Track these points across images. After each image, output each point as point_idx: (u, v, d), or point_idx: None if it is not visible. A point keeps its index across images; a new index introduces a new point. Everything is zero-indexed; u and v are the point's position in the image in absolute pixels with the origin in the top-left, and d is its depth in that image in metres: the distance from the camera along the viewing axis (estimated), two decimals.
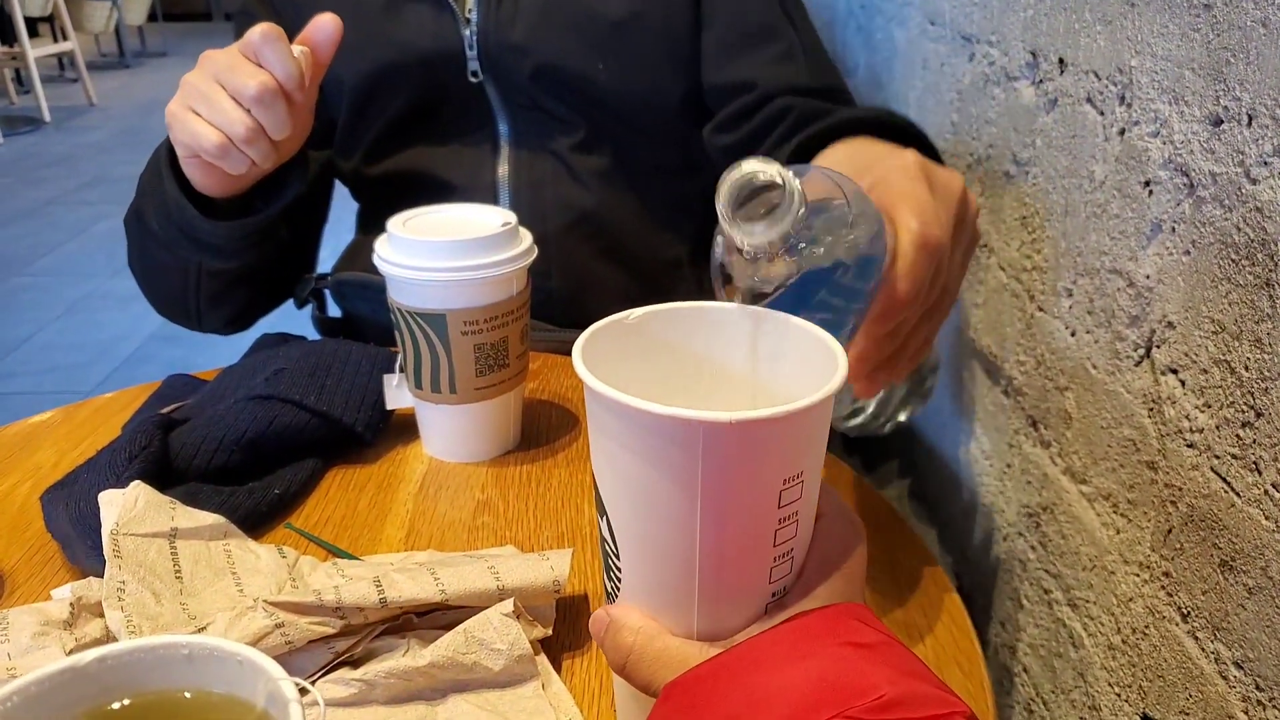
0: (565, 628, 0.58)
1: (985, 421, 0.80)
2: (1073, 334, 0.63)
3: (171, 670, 0.34)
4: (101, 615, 0.52)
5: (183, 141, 0.74)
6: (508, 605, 0.53)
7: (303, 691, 0.33)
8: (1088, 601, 0.62)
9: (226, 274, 0.90)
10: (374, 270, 0.71)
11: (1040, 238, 0.68)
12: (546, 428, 0.81)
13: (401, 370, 0.75)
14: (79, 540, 0.59)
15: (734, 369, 0.47)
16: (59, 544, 0.63)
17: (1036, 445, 0.70)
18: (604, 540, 0.44)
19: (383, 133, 0.97)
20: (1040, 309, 0.68)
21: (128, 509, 0.56)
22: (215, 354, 1.39)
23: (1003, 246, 0.75)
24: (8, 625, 0.49)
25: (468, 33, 0.92)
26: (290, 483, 0.69)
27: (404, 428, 0.79)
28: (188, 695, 0.34)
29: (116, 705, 0.34)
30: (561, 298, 0.96)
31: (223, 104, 0.71)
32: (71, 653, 0.48)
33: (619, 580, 0.43)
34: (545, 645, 0.55)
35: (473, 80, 0.93)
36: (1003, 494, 0.77)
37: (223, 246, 0.84)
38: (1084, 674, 0.63)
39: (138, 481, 0.58)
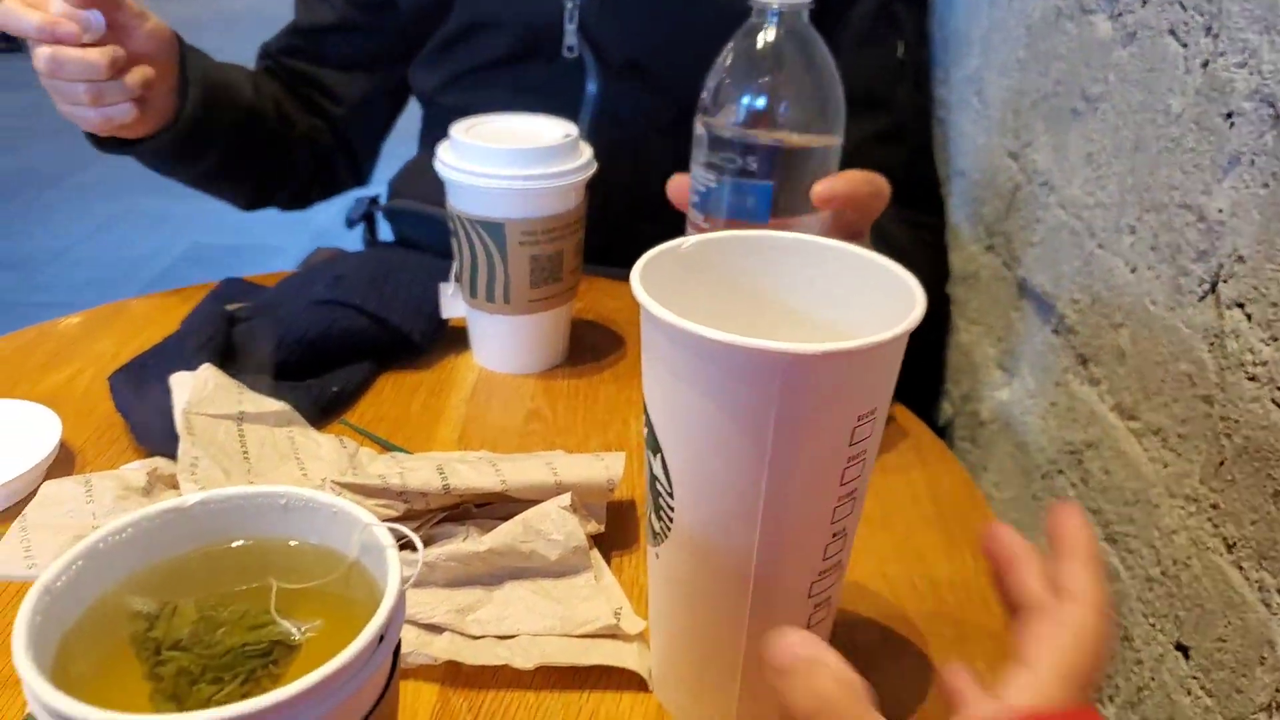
0: (614, 528, 0.59)
1: (1032, 361, 0.80)
2: (1133, 270, 0.63)
3: (268, 519, 0.35)
4: (175, 488, 0.53)
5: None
6: (565, 499, 0.54)
7: (403, 546, 0.34)
8: (1128, 535, 0.63)
9: (202, 173, 0.93)
10: (432, 193, 0.72)
11: (1106, 174, 0.67)
12: (593, 346, 0.82)
13: (457, 280, 0.76)
14: (149, 420, 0.61)
15: (793, 301, 0.46)
16: (128, 424, 0.65)
17: (1085, 383, 0.71)
18: (655, 479, 0.42)
19: (467, 70, 0.96)
20: (1100, 246, 0.68)
21: (199, 390, 0.58)
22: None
23: (1064, 184, 0.75)
24: (91, 487, 0.51)
25: (570, 6, 0.91)
26: (347, 381, 0.71)
27: (456, 338, 0.80)
28: (292, 543, 0.35)
29: (236, 544, 0.35)
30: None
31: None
32: None
33: (670, 521, 0.42)
34: (596, 542, 0.57)
35: (568, 54, 0.92)
36: (1045, 432, 0.77)
37: (155, 165, 0.87)
38: (1118, 607, 0.64)
39: (208, 364, 0.60)
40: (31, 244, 2.99)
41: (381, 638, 0.30)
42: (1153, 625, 0.60)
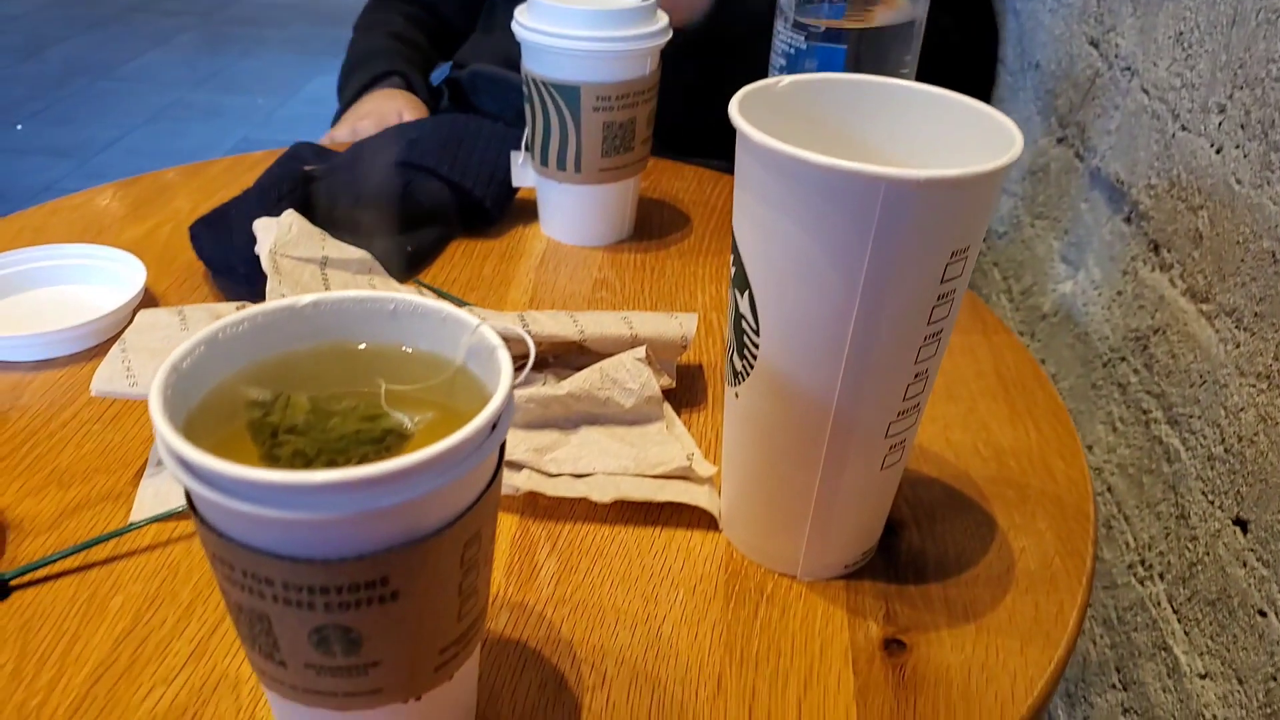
0: (681, 388, 0.61)
1: (1099, 252, 0.80)
2: (1218, 150, 0.63)
3: (377, 324, 0.36)
4: None
5: None
6: (640, 351, 0.55)
7: (519, 362, 0.35)
8: (1191, 417, 0.64)
9: None
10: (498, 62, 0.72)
11: (1197, 53, 0.66)
12: (658, 223, 0.83)
13: (528, 148, 0.76)
14: (232, 265, 0.63)
15: (887, 146, 0.46)
16: (209, 270, 0.67)
17: (1155, 269, 0.70)
18: (740, 318, 0.43)
19: None
20: (1184, 128, 0.67)
21: (283, 233, 0.59)
22: None
23: (1149, 68, 0.73)
24: (185, 317, 0.53)
25: None
26: (421, 242, 0.72)
27: (523, 209, 0.81)
28: (400, 348, 0.37)
29: (344, 345, 0.36)
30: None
31: None
32: None
33: (753, 360, 0.43)
34: (666, 397, 0.58)
35: None
36: (1109, 321, 0.77)
37: None
38: (1175, 486, 0.65)
39: (291, 210, 0.61)
40: (85, 133, 3.02)
41: (494, 427, 0.31)
42: (1211, 502, 0.61)
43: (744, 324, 0.43)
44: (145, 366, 0.49)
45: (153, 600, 0.44)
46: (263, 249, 0.59)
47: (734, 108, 0.41)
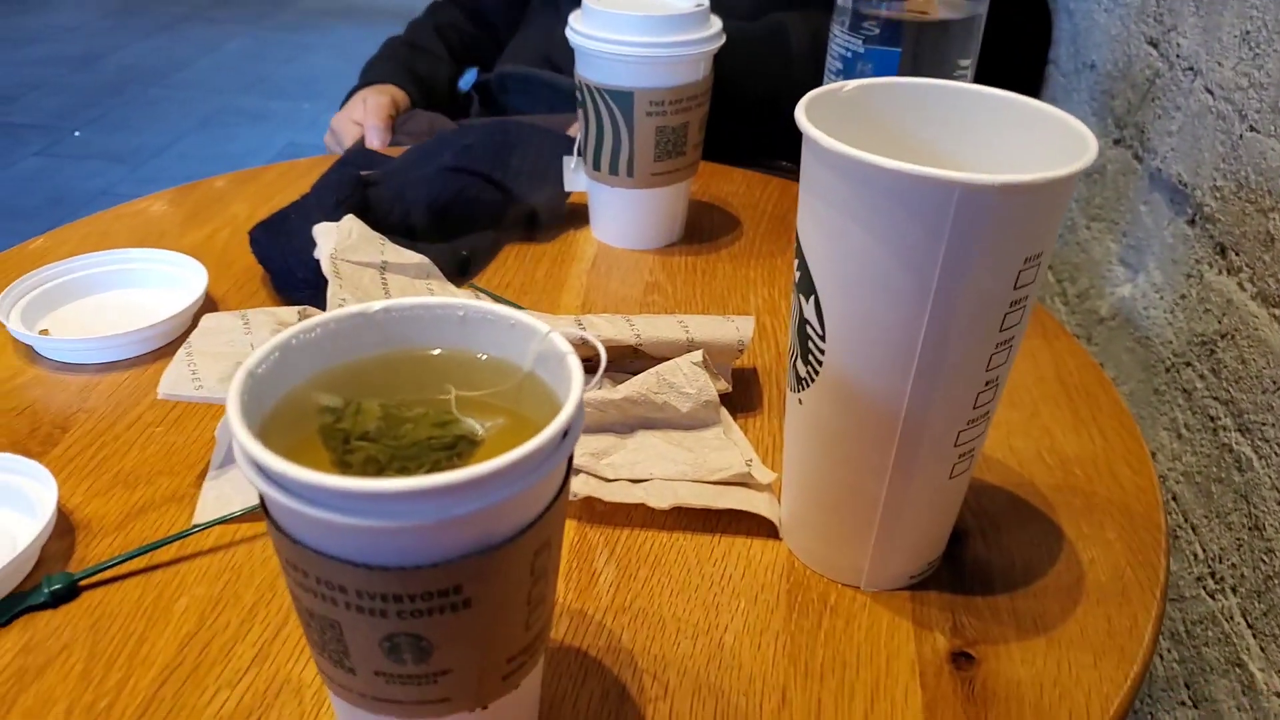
0: (737, 393, 0.60)
1: (1160, 255, 0.78)
2: None
3: (446, 330, 0.36)
4: None
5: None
6: (697, 355, 0.55)
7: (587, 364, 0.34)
8: (1264, 425, 0.62)
9: None
10: (534, 63, 0.72)
11: (1265, 52, 0.64)
12: (709, 226, 0.82)
13: (579, 154, 0.76)
14: (292, 268, 0.63)
15: (956, 151, 0.45)
16: (269, 274, 0.67)
17: (1222, 273, 0.68)
18: (805, 323, 0.42)
19: None
20: (1252, 128, 0.66)
21: (344, 237, 0.59)
22: None
23: (1213, 68, 0.71)
24: (248, 321, 0.53)
25: None
26: (475, 247, 0.72)
27: (575, 214, 0.81)
28: (469, 354, 0.36)
29: (414, 352, 0.36)
30: None
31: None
32: None
33: (818, 366, 0.43)
34: (722, 403, 0.58)
35: None
36: (1171, 325, 0.75)
37: None
38: (1248, 496, 0.63)
39: (351, 215, 0.61)
40: (139, 139, 3.08)
41: (565, 434, 0.31)
42: None
43: (809, 329, 0.43)
44: (210, 370, 0.50)
45: (216, 602, 0.45)
46: (323, 253, 0.59)
47: (800, 112, 0.40)
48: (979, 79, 0.64)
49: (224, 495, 0.49)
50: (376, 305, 0.35)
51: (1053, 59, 1.14)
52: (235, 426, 0.29)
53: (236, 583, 0.46)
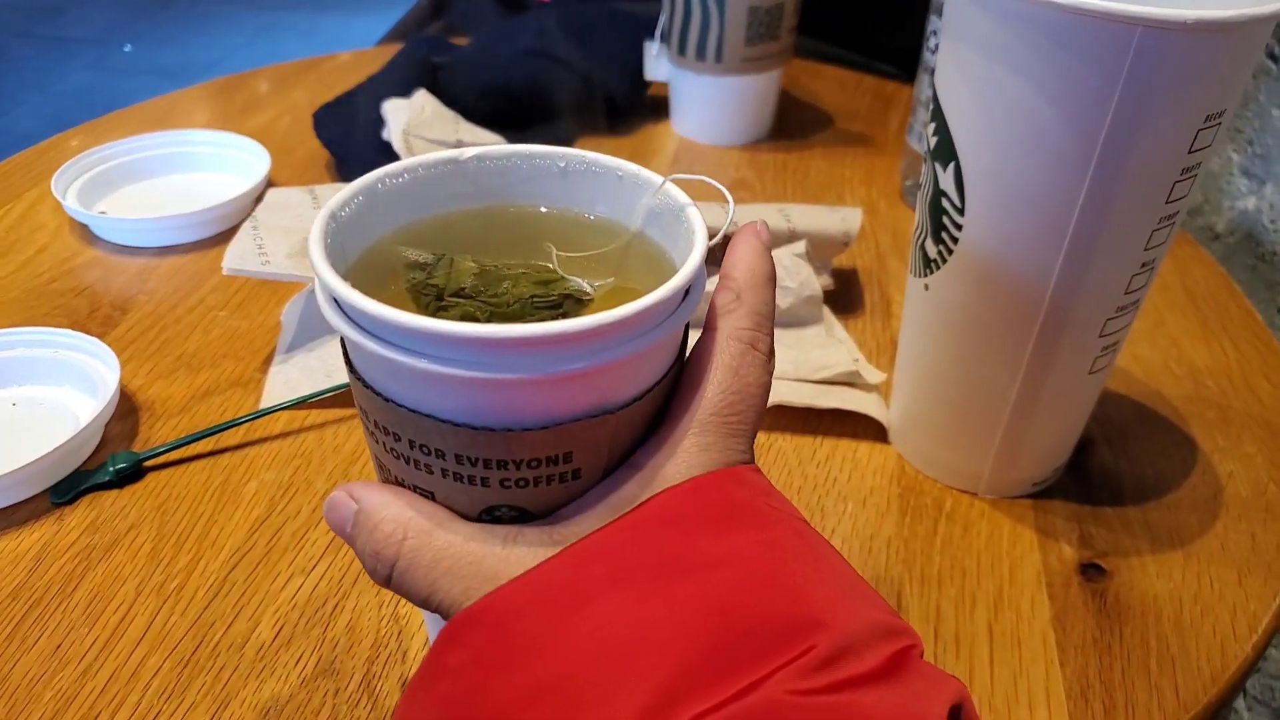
0: (839, 291, 0.56)
1: None
2: None
3: (544, 183, 0.32)
4: None
5: None
6: (800, 246, 0.51)
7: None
8: None
9: None
10: None
11: None
12: (798, 123, 0.77)
13: (664, 39, 0.71)
14: (360, 149, 0.60)
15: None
16: (334, 155, 0.64)
17: None
18: (941, 195, 0.38)
19: None
20: None
21: (417, 113, 0.56)
22: None
23: None
24: (317, 197, 0.50)
25: None
26: (550, 136, 0.68)
27: (655, 106, 0.76)
28: (569, 211, 0.32)
29: (509, 207, 0.32)
30: None
31: None
32: None
33: (953, 243, 0.38)
34: (824, 301, 0.53)
35: None
36: None
37: None
38: None
39: (424, 90, 0.57)
40: (187, 54, 3.05)
41: (686, 293, 0.27)
42: None
43: (945, 202, 0.38)
44: (278, 245, 0.46)
45: (287, 488, 0.42)
46: (394, 130, 0.55)
47: None
48: None
49: (292, 380, 0.46)
50: (469, 152, 0.31)
51: None
52: (319, 265, 0.25)
53: (307, 469, 0.43)
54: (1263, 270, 0.74)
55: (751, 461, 0.27)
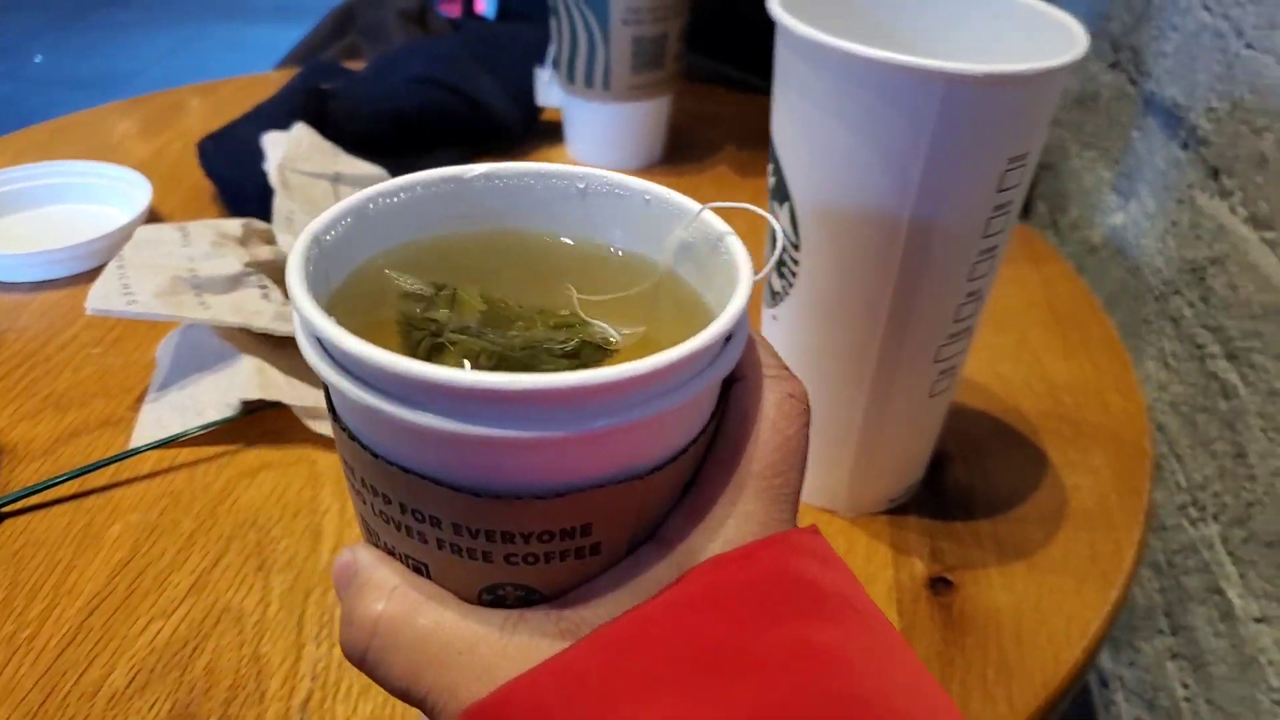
0: None
1: (1153, 181, 0.75)
2: None
3: (561, 207, 0.28)
4: (271, 242, 0.52)
5: None
6: None
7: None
8: (1251, 350, 0.60)
9: None
10: None
11: None
12: (692, 146, 0.79)
13: (555, 65, 0.72)
14: (242, 182, 0.60)
15: (939, 45, 0.42)
16: (218, 187, 0.64)
17: (1214, 196, 0.66)
18: (778, 234, 0.40)
19: None
20: (1249, 45, 0.62)
21: (294, 147, 0.56)
22: None
23: None
24: (188, 234, 0.50)
25: None
26: (439, 163, 0.68)
27: (549, 131, 0.77)
28: (613, 250, 0.28)
29: (519, 233, 0.28)
30: None
31: None
32: (247, 265, 0.48)
33: (793, 277, 0.40)
34: None
35: None
36: (1162, 253, 0.73)
37: None
38: (1232, 423, 0.61)
39: (302, 124, 0.58)
40: (105, 65, 2.98)
41: (727, 339, 0.23)
42: (1271, 439, 0.57)
43: (786, 240, 0.40)
44: (145, 283, 0.46)
45: (152, 530, 0.42)
46: (271, 163, 0.55)
47: (775, 2, 0.37)
48: None
49: (164, 419, 0.46)
50: (475, 169, 0.28)
51: None
52: (298, 296, 0.22)
53: (175, 509, 0.43)
54: (1130, 282, 0.78)
55: (793, 521, 0.23)
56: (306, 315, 0.21)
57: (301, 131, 0.57)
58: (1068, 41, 0.37)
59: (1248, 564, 0.59)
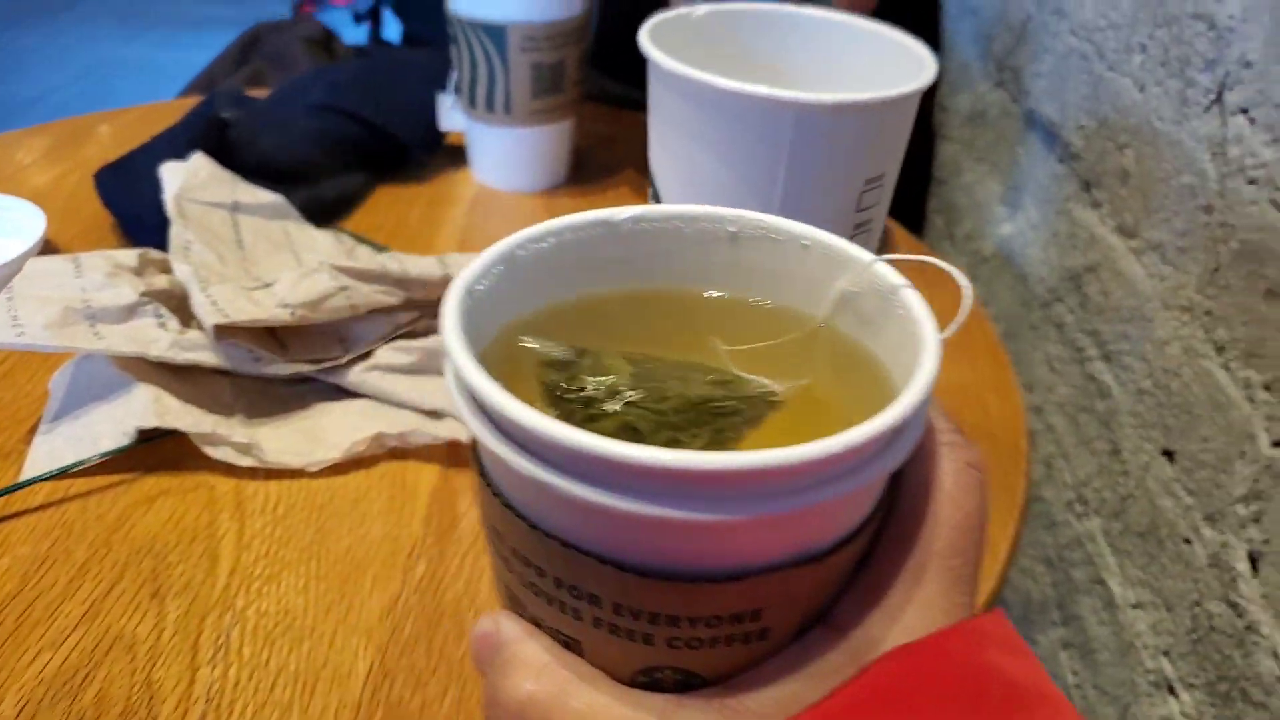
0: None
1: (1036, 194, 0.80)
2: (1141, 89, 0.62)
3: (710, 251, 0.27)
4: (168, 271, 0.53)
5: None
6: None
7: None
8: (1122, 352, 0.64)
9: None
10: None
11: None
12: (596, 169, 0.80)
13: (456, 90, 0.73)
14: (140, 213, 0.60)
15: (805, 78, 0.45)
16: (116, 218, 0.64)
17: (1087, 208, 0.70)
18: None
19: None
20: (1110, 68, 0.67)
21: (191, 177, 0.56)
22: None
23: (1077, 9, 0.72)
24: (81, 265, 0.50)
25: None
26: (342, 189, 0.69)
27: (454, 154, 0.78)
28: (761, 302, 0.27)
29: (686, 285, 0.27)
30: None
31: None
32: (143, 295, 0.48)
33: None
34: None
35: None
36: (1046, 262, 0.77)
37: None
38: (1108, 422, 0.65)
39: (200, 153, 0.58)
40: (5, 90, 2.90)
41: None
42: (1140, 435, 0.61)
43: None
44: (34, 315, 0.46)
45: (43, 561, 0.42)
46: (168, 194, 0.56)
47: (644, 35, 0.39)
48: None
49: (57, 450, 0.46)
50: (624, 212, 0.26)
51: (943, 3, 1.14)
52: (456, 354, 0.21)
53: (68, 539, 0.43)
54: (1019, 290, 0.82)
55: (971, 599, 0.22)
56: (468, 378, 0.20)
57: (199, 161, 0.58)
58: (918, 67, 0.40)
59: (1124, 554, 0.63)
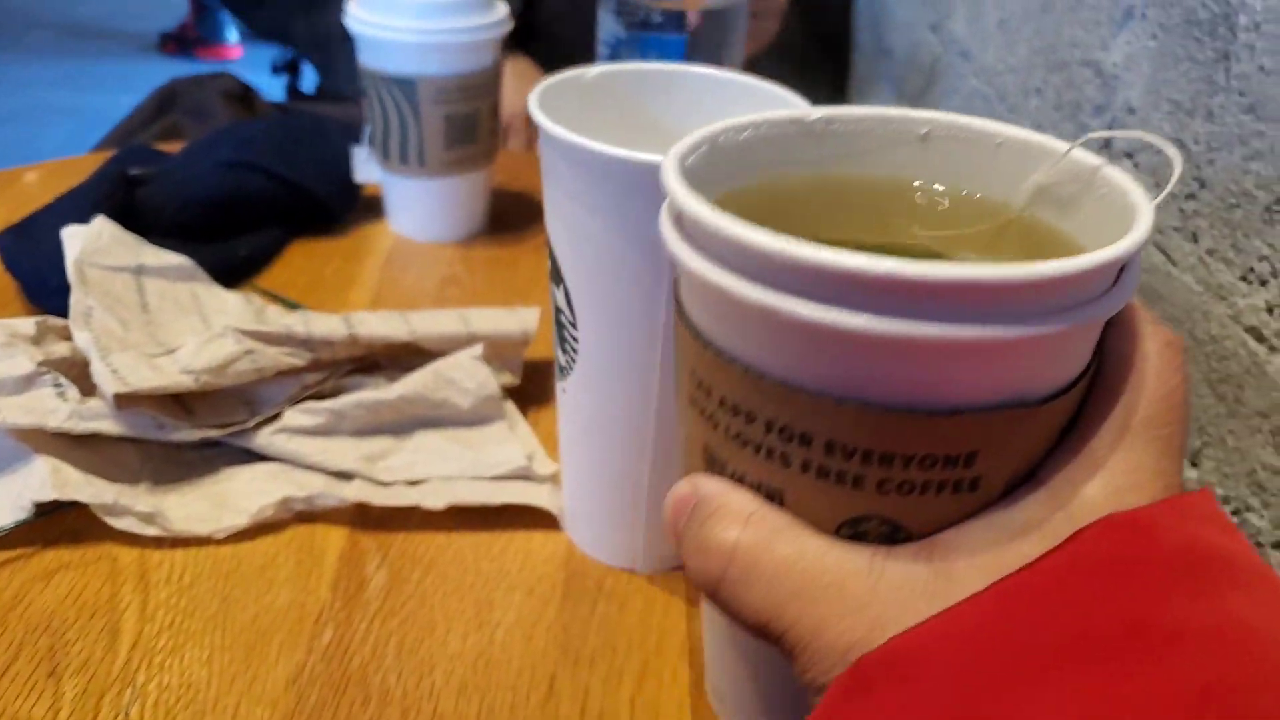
0: (530, 384, 0.59)
1: None
2: (1038, 130, 0.65)
3: (902, 153, 0.28)
4: (68, 338, 0.52)
5: None
6: (477, 350, 0.54)
7: None
8: None
9: None
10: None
11: (1016, 39, 0.68)
12: (515, 217, 0.81)
13: (371, 142, 0.74)
14: (43, 276, 0.59)
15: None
16: (19, 283, 0.62)
17: None
18: (559, 311, 0.42)
19: None
20: (1011, 110, 0.69)
21: (92, 241, 0.56)
22: None
23: (979, 53, 0.75)
24: None
25: None
26: (255, 246, 0.69)
27: (370, 206, 0.78)
28: (961, 192, 0.27)
29: (879, 177, 0.27)
30: None
31: None
32: (41, 364, 0.48)
33: (575, 353, 0.43)
34: (512, 396, 0.57)
35: None
36: None
37: None
38: None
39: (102, 217, 0.58)
40: None
41: (1122, 269, 0.21)
42: None
43: (562, 318, 0.42)
44: None
45: None
46: (69, 259, 0.55)
47: (533, 100, 0.40)
48: (782, 66, 0.66)
49: None
50: (817, 112, 0.27)
51: (857, 45, 1.18)
52: (672, 183, 0.22)
53: None
54: None
55: (1180, 475, 0.21)
56: (697, 212, 0.21)
57: (101, 224, 0.57)
58: None
59: None
